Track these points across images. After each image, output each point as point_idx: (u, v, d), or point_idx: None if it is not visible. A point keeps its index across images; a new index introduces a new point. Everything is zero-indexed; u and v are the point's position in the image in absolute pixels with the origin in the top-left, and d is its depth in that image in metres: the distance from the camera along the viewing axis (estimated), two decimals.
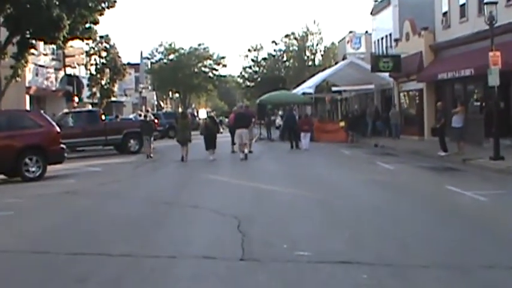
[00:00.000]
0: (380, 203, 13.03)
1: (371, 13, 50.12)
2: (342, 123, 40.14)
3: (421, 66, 35.79)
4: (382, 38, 47.68)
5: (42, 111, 24.98)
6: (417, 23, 37.39)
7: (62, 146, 20.90)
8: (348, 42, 51.19)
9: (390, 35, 44.86)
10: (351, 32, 54.13)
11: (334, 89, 47.13)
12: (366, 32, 53.96)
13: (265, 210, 12.24)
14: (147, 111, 39.14)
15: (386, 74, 40.48)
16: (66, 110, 34.13)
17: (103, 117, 32.99)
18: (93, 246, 9.28)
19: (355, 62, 44.33)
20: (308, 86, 46.42)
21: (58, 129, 21.03)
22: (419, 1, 39.65)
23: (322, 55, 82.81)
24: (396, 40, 41.56)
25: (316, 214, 11.72)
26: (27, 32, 30.69)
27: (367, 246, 8.75)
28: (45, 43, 36.18)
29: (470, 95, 31.56)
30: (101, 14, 34.70)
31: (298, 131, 32.07)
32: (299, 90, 49.50)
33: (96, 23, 35.00)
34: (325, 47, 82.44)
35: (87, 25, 34.85)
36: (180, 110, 72.81)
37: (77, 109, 39.10)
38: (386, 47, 45.87)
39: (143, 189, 16.88)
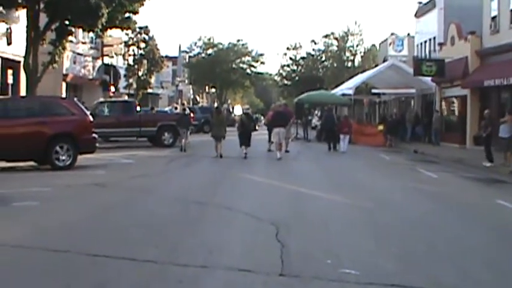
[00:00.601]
0: (428, 215, 12.13)
1: (415, 15, 48.98)
2: (381, 127, 39.02)
3: (466, 71, 34.68)
4: (425, 41, 46.59)
5: (75, 99, 24.22)
6: (463, 27, 36.32)
7: (94, 135, 20.22)
8: (390, 44, 50.29)
9: (434, 38, 43.78)
10: (392, 34, 53.12)
11: (374, 91, 45.99)
12: (408, 34, 52.89)
13: (305, 218, 11.31)
14: (183, 104, 38.64)
15: (429, 79, 39.41)
16: (101, 99, 33.55)
17: (138, 108, 32.25)
18: (116, 248, 8.50)
19: (397, 64, 43.20)
20: (347, 87, 45.40)
21: (91, 118, 20.34)
22: (466, 4, 38.56)
23: (361, 56, 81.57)
24: (440, 44, 40.45)
25: (360, 225, 10.81)
26: (66, 19, 30.24)
27: (420, 267, 7.83)
28: (83, 31, 35.71)
29: None
30: (141, 5, 34.13)
31: (337, 133, 31.16)
32: (338, 91, 48.59)
33: (135, 13, 34.44)
34: (365, 49, 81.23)
35: (127, 15, 34.27)
36: (215, 105, 72.09)
37: (112, 99, 38.57)
38: (430, 51, 44.77)
39: (175, 185, 16.09)
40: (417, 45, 48.89)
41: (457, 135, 36.06)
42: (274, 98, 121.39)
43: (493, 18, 33.00)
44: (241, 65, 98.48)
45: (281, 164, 23.31)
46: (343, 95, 44.52)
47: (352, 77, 57.43)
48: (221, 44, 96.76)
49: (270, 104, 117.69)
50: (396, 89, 45.10)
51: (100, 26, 30.37)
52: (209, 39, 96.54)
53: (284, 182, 16.74)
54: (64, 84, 39.81)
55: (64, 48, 31.44)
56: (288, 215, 11.34)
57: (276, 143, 25.55)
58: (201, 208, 12.16)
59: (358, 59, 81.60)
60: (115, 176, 17.58)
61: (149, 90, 59.09)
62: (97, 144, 20.56)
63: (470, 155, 28.50)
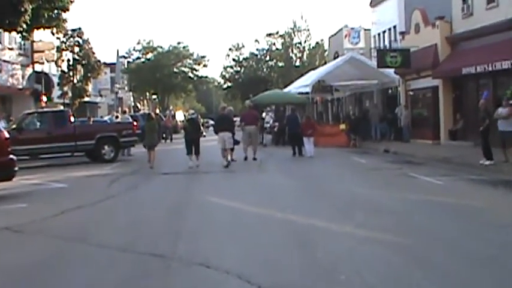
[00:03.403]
0: (473, 243, 8.99)
1: (370, 5, 45.66)
2: (343, 126, 35.68)
3: (436, 60, 31.49)
4: (383, 32, 43.48)
5: None
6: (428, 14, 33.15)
7: (12, 156, 15.61)
8: (345, 36, 46.96)
9: (394, 27, 40.51)
10: (346, 26, 49.91)
11: (335, 84, 42.28)
12: (359, 26, 49.73)
13: (328, 278, 7.40)
14: (124, 112, 34.55)
15: (391, 71, 36.13)
16: (28, 111, 29.04)
17: (72, 119, 27.92)
18: None
19: (356, 57, 39.69)
20: (303, 85, 41.70)
21: (6, 134, 15.83)
22: None
23: (307, 54, 78.25)
24: (402, 33, 37.19)
25: (421, 279, 7.00)
26: None
27: None
28: (4, 30, 31.12)
29: (502, 91, 27.09)
30: (71, 1, 29.99)
31: (301, 136, 27.63)
32: (291, 89, 44.93)
33: (65, 10, 30.18)
34: (309, 45, 77.90)
35: (55, 12, 29.99)
36: (157, 111, 68.14)
37: (42, 109, 33.99)
38: (390, 41, 41.50)
39: (120, 223, 11.69)
40: (374, 37, 45.66)
41: (428, 131, 32.95)
42: (216, 102, 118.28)
43: (464, 0, 29.77)
44: (182, 68, 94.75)
45: (248, 177, 19.60)
46: (300, 93, 40.91)
47: (302, 75, 54.01)
48: (161, 47, 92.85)
49: (212, 109, 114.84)
50: (357, 82, 41.58)
51: (24, 25, 26.09)
52: (148, 43, 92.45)
53: (264, 207, 12.78)
54: None
55: None
56: (295, 273, 7.46)
57: (222, 150, 23.43)
58: (162, 269, 7.94)
59: (306, 56, 78.05)
60: (39, 212, 13.06)
61: (86, 99, 54.56)
62: (16, 168, 16.12)
63: (453, 152, 25.45)
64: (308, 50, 77.27)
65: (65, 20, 32.80)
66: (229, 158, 23.37)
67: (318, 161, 25.03)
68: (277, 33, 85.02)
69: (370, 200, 13.58)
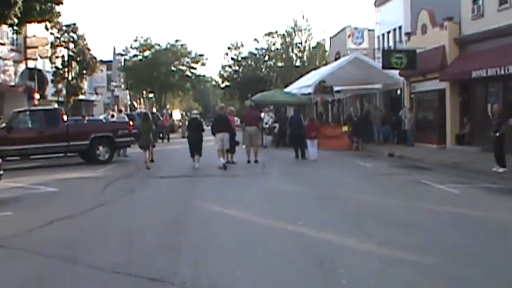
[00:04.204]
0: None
1: (374, 4, 44.48)
2: (345, 128, 34.60)
3: (444, 62, 30.41)
4: (388, 32, 42.27)
5: None
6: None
7: None
8: (348, 36, 45.87)
9: (400, 28, 39.38)
10: (348, 26, 48.80)
11: (337, 88, 41.15)
12: (354, 27, 48.56)
13: None
14: (120, 111, 33.41)
15: (395, 73, 35.10)
16: (19, 109, 27.81)
17: (65, 117, 26.76)
18: None
19: (360, 58, 38.55)
20: (304, 85, 40.60)
21: None
22: None
23: (307, 54, 77.01)
24: (408, 34, 36.06)
25: None
26: None
27: None
28: None
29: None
30: None
31: (304, 138, 26.56)
32: (292, 90, 43.83)
33: (58, 2, 28.97)
34: (309, 46, 76.69)
35: (48, 4, 28.82)
36: (154, 110, 67.02)
37: (34, 107, 32.74)
38: (395, 42, 40.38)
39: (112, 236, 10.45)
40: (378, 37, 44.52)
41: (434, 135, 31.91)
42: (213, 101, 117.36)
43: (474, 1, 28.72)
44: (180, 67, 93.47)
45: (252, 182, 18.44)
46: (301, 94, 39.85)
47: (302, 75, 52.91)
48: (159, 45, 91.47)
49: (209, 108, 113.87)
50: (359, 85, 40.42)
51: (15, 18, 24.94)
52: (146, 40, 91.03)
53: (272, 218, 11.62)
54: None
55: None
56: None
57: (218, 150, 22.73)
58: None
59: (306, 56, 76.79)
60: (25, 222, 11.85)
61: (81, 97, 53.24)
62: (1, 172, 14.98)
63: (461, 157, 24.42)
64: (309, 50, 76.02)
65: (58, 14, 31.60)
66: (224, 159, 22.59)
67: (323, 165, 23.93)
68: (277, 32, 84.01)
69: (386, 210, 12.49)
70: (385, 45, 42.02)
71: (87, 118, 34.32)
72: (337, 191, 15.90)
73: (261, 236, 10.09)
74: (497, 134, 19.33)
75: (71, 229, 11.24)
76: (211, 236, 10.12)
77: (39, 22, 32.78)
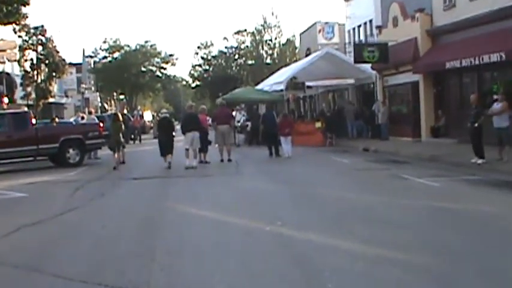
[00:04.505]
0: (502, 260, 7.62)
1: None
2: (318, 124, 34.22)
3: (417, 54, 30.20)
4: (358, 26, 41.98)
5: None
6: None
7: None
8: (319, 31, 45.49)
9: (370, 21, 39.14)
10: (319, 21, 48.50)
11: (308, 84, 40.71)
12: (325, 22, 48.24)
13: None
14: (90, 112, 32.77)
15: (367, 67, 34.85)
16: None
17: (34, 120, 26.09)
18: None
19: (332, 52, 38.20)
20: (276, 82, 40.16)
21: None
22: None
23: (277, 51, 76.56)
24: (379, 27, 35.81)
25: None
26: None
27: None
28: None
29: (486, 86, 25.86)
30: None
31: (278, 135, 26.15)
32: (263, 87, 43.39)
33: (25, 3, 28.29)
34: (279, 42, 76.25)
35: (15, 5, 28.15)
36: (125, 111, 66.14)
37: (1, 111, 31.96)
38: (366, 36, 40.12)
39: (81, 242, 9.83)
40: (348, 31, 44.24)
41: (408, 128, 31.73)
42: (184, 101, 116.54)
43: None
44: (150, 67, 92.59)
45: (226, 181, 17.98)
46: (272, 91, 39.40)
47: (273, 72, 52.50)
48: (128, 46, 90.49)
49: (180, 108, 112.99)
50: (331, 80, 40.00)
51: None
52: (115, 42, 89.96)
53: (249, 218, 11.16)
54: None
55: None
56: None
57: (185, 150, 22.40)
58: None
59: (277, 53, 76.32)
60: None
61: (51, 100, 52.42)
62: None
63: (437, 150, 24.25)
64: (279, 47, 75.63)
65: (25, 15, 30.94)
66: (196, 159, 22.29)
67: (297, 161, 23.59)
68: (246, 30, 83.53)
69: (367, 207, 12.08)
70: (356, 39, 41.79)
71: (56, 121, 33.60)
72: (314, 188, 15.47)
73: (238, 238, 9.61)
74: (476, 125, 19.06)
75: (39, 236, 10.68)
76: (187, 239, 9.63)
77: (5, 24, 32.13)
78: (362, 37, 41.06)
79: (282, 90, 37.69)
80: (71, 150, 25.40)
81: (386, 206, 12.16)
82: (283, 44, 76.13)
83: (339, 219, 10.80)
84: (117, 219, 11.94)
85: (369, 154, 26.44)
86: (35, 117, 27.79)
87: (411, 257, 7.86)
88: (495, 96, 20.77)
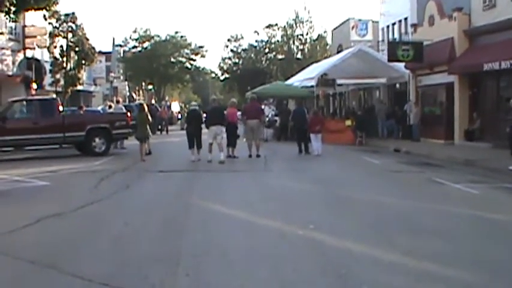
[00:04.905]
0: None
1: None
2: (349, 122, 33.60)
3: (453, 55, 29.41)
4: (393, 24, 41.30)
5: None
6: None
7: None
8: (352, 28, 44.81)
9: (405, 19, 38.32)
10: (352, 18, 47.83)
11: (339, 81, 40.00)
12: (358, 19, 47.50)
13: None
14: (118, 101, 32.38)
15: (401, 66, 34.10)
16: (13, 98, 26.86)
17: (61, 108, 25.77)
18: None
19: (364, 50, 37.57)
20: (306, 78, 39.54)
21: None
22: None
23: (308, 47, 75.88)
24: (414, 25, 35.04)
25: None
26: None
27: None
28: None
29: None
30: None
31: (308, 132, 25.58)
32: (294, 82, 42.81)
33: None
34: (310, 39, 75.54)
35: None
36: (153, 101, 66.04)
37: (29, 97, 31.69)
38: (400, 34, 39.30)
39: (102, 240, 9.22)
40: (382, 29, 43.45)
41: (441, 130, 30.99)
42: (212, 94, 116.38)
43: None
44: (180, 58, 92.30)
45: (254, 178, 17.35)
46: (302, 87, 38.81)
47: (303, 68, 51.87)
48: (158, 36, 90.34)
49: (208, 101, 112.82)
50: (363, 79, 39.26)
51: (11, 6, 23.95)
52: (145, 32, 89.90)
53: (279, 220, 10.51)
54: None
55: None
56: None
57: (208, 144, 22.01)
58: None
59: (307, 49, 75.64)
60: (10, 220, 10.77)
61: (80, 88, 52.17)
62: None
63: (472, 154, 23.42)
64: (310, 42, 74.93)
65: (55, 2, 30.52)
66: (222, 153, 21.57)
67: (327, 160, 22.98)
68: (277, 25, 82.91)
69: (405, 214, 11.37)
70: (390, 37, 41.02)
71: (84, 109, 33.32)
72: (346, 189, 14.86)
73: (269, 241, 9.00)
74: None
75: (58, 230, 10.20)
76: (214, 241, 9.03)
77: (35, 10, 31.81)
78: (396, 35, 40.27)
79: (312, 86, 37.02)
80: (97, 139, 25.10)
81: (426, 213, 11.47)
82: (314, 40, 75.41)
83: (375, 225, 10.15)
84: (141, 215, 11.35)
85: (400, 155, 25.74)
86: (62, 105, 27.47)
87: (456, 273, 7.23)
88: None
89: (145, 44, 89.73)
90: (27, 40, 41.85)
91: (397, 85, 39.11)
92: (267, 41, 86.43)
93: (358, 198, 13.44)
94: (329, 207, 12.24)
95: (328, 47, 69.65)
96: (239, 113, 26.23)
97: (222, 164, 20.74)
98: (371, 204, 12.54)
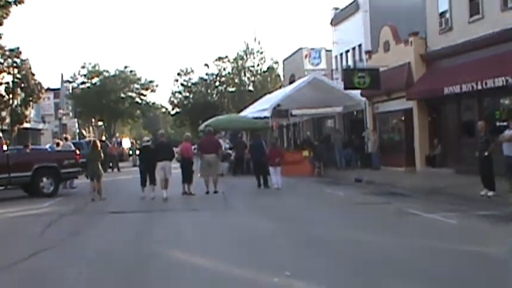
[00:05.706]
0: None
1: (331, 23, 42.81)
2: (306, 153, 32.64)
3: (411, 80, 28.95)
4: (347, 51, 40.57)
5: None
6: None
7: None
8: (305, 57, 44.10)
9: (359, 46, 37.71)
10: (305, 47, 47.17)
11: (295, 112, 39.01)
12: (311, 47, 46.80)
13: None
14: (66, 139, 30.87)
15: (357, 93, 33.51)
16: None
17: (5, 146, 24.29)
18: None
19: (319, 78, 36.71)
20: (261, 109, 38.50)
21: None
22: (393, 6, 33.12)
23: (259, 78, 75.19)
24: (369, 52, 34.54)
25: None
26: None
27: None
28: None
29: (487, 112, 24.44)
30: (6, 14, 26.47)
31: (267, 165, 24.54)
32: (247, 114, 41.81)
33: None
34: (261, 69, 74.91)
35: None
36: (104, 138, 64.52)
37: None
38: (354, 62, 38.65)
39: None
40: (336, 57, 42.83)
41: (401, 157, 30.42)
42: (163, 129, 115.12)
43: (442, 14, 27.31)
44: (130, 93, 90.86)
45: (215, 218, 16.28)
46: (256, 118, 37.79)
47: (256, 100, 51.02)
48: (107, 71, 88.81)
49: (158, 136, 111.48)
50: (318, 109, 38.32)
51: None
52: (94, 67, 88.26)
53: (249, 267, 9.33)
54: None
55: None
56: None
57: (161, 180, 21.12)
58: None
59: (258, 80, 74.94)
60: None
61: (28, 125, 50.40)
62: None
63: (436, 181, 22.96)
64: (261, 73, 74.34)
65: None
66: (165, 191, 20.76)
67: (289, 194, 21.95)
68: (227, 57, 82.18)
69: (390, 253, 10.26)
70: (344, 65, 40.36)
71: (30, 147, 31.68)
72: (317, 227, 13.69)
73: None
74: (486, 154, 17.56)
75: None
76: None
77: None
78: (350, 63, 39.63)
79: (266, 118, 36.01)
80: (44, 179, 23.66)
81: (412, 251, 10.39)
82: (264, 71, 74.85)
83: (357, 269, 9.02)
84: (92, 268, 9.94)
85: (362, 185, 24.99)
86: (7, 143, 25.96)
87: None
88: (504, 123, 19.41)
89: (95, 80, 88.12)
90: None
91: (354, 113, 38.36)
92: (218, 73, 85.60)
93: (332, 237, 12.26)
94: (302, 249, 11.07)
95: (280, 77, 69.09)
96: (194, 147, 25.14)
97: (165, 201, 19.93)
98: (348, 243, 11.41)
